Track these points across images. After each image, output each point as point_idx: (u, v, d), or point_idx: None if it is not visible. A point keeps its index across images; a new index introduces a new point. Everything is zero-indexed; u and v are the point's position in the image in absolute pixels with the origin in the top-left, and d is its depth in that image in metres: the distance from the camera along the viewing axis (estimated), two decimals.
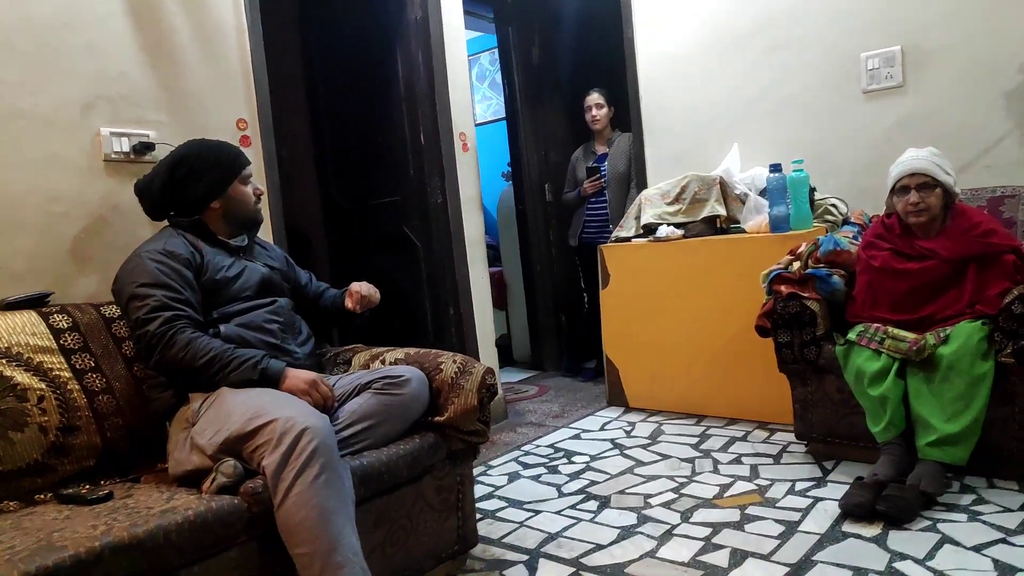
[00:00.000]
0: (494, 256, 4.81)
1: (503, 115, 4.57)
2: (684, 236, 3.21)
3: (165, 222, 2.02)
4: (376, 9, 3.36)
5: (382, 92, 3.40)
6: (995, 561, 1.72)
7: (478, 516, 2.17)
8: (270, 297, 1.99)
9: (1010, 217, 2.62)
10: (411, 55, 3.28)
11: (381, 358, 2.13)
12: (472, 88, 5.99)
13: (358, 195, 3.58)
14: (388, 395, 1.87)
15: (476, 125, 5.92)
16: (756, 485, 2.34)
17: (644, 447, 2.83)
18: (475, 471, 2.65)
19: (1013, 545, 1.79)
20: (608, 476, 2.56)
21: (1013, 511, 1.97)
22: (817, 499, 2.19)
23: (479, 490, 2.51)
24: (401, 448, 1.86)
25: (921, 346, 2.18)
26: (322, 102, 3.72)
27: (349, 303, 2.11)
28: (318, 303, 2.21)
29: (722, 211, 3.19)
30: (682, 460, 2.64)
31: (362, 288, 2.13)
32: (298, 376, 1.80)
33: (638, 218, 3.44)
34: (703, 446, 2.77)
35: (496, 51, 4.57)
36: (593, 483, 2.51)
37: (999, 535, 1.85)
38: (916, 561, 1.76)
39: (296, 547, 1.47)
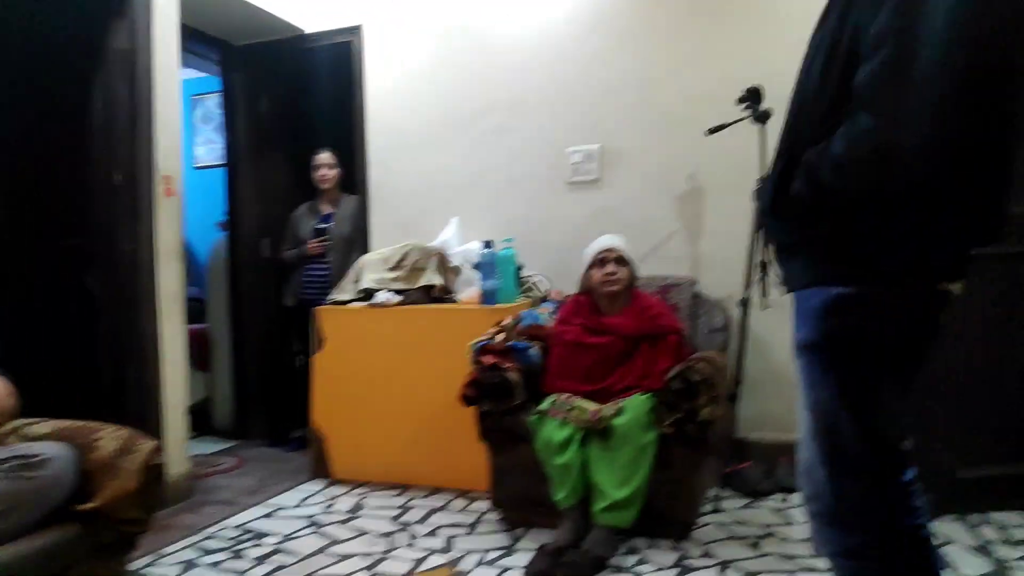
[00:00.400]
0: (200, 311, 4.42)
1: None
2: (401, 303, 3.22)
3: None
4: (71, 32, 2.98)
5: (75, 122, 2.99)
6: None
7: None
8: None
9: (675, 303, 3.02)
10: (112, 87, 2.95)
11: (22, 432, 1.79)
12: (193, 129, 5.61)
13: (29, 234, 3.07)
14: (19, 479, 1.57)
15: (197, 168, 5.54)
16: (449, 558, 2.34)
17: (342, 523, 2.71)
18: (141, 562, 2.32)
19: None
20: (298, 558, 2.38)
21: (667, 568, 2.19)
22: (505, 569, 2.24)
23: None
24: (32, 543, 1.57)
25: (600, 417, 2.38)
26: None
27: None
28: None
29: (439, 281, 3.27)
30: (379, 536, 2.56)
31: None
32: None
33: (357, 282, 3.39)
34: (403, 518, 2.73)
35: None
36: (281, 567, 2.31)
37: None
38: None
39: None
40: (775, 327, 3.10)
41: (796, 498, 2.72)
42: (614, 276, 2.62)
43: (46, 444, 1.69)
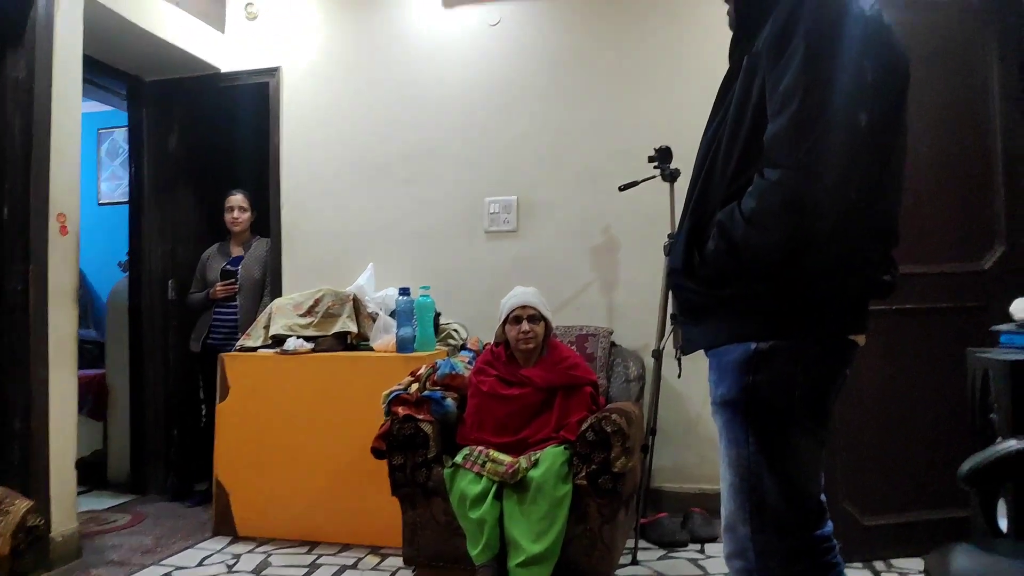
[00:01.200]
0: (97, 355, 4.15)
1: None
2: (313, 350, 3.12)
3: None
4: None
5: None
6: None
7: None
8: None
9: (592, 353, 3.05)
10: (6, 118, 2.78)
11: None
12: (98, 164, 5.37)
13: None
14: None
15: (100, 205, 5.28)
16: None
17: None
18: None
19: None
20: None
21: None
22: None
23: None
24: None
25: (515, 469, 2.35)
26: None
27: None
28: None
29: (353, 328, 3.19)
30: None
31: None
32: None
33: (267, 327, 3.27)
34: None
35: None
36: None
37: None
38: None
39: None
40: (688, 378, 3.18)
41: (712, 549, 2.75)
42: (528, 335, 2.62)
43: None
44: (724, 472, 1.28)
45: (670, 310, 2.86)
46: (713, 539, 2.83)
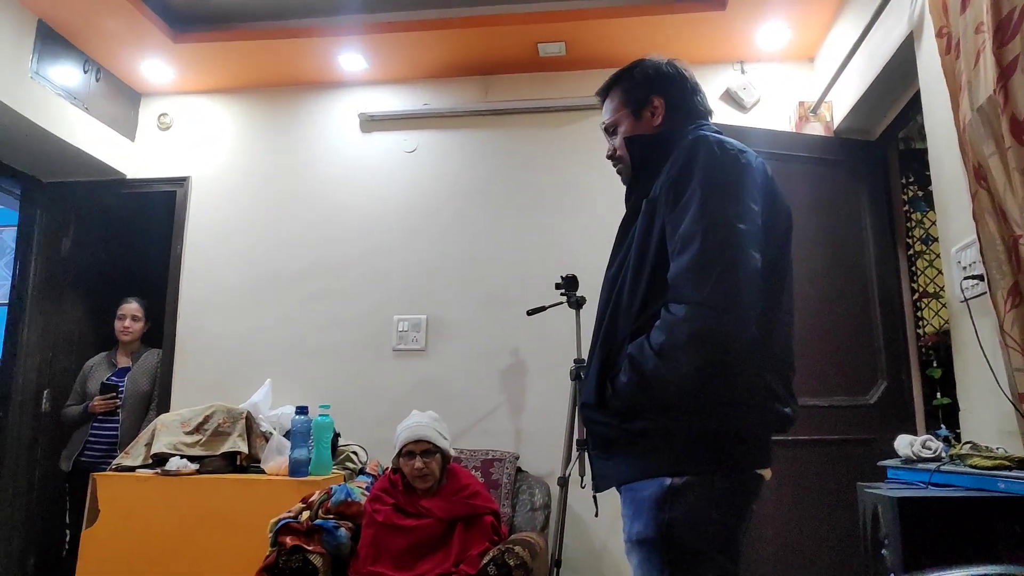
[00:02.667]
0: None
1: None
2: (199, 471, 2.90)
3: None
4: None
5: None
6: None
7: None
8: None
9: (497, 479, 2.97)
10: None
11: None
12: None
13: None
14: None
15: None
16: None
17: None
18: None
19: None
20: None
21: None
22: None
23: None
24: None
25: None
26: None
27: None
28: None
29: (244, 448, 3.00)
30: None
31: None
32: None
33: (149, 445, 3.03)
34: None
35: None
36: None
37: None
38: None
39: None
40: (593, 507, 3.12)
41: None
42: (423, 471, 2.52)
43: None
44: None
45: (576, 436, 2.85)
46: None
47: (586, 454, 2.83)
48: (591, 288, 2.98)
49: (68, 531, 3.44)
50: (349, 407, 3.31)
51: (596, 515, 2.48)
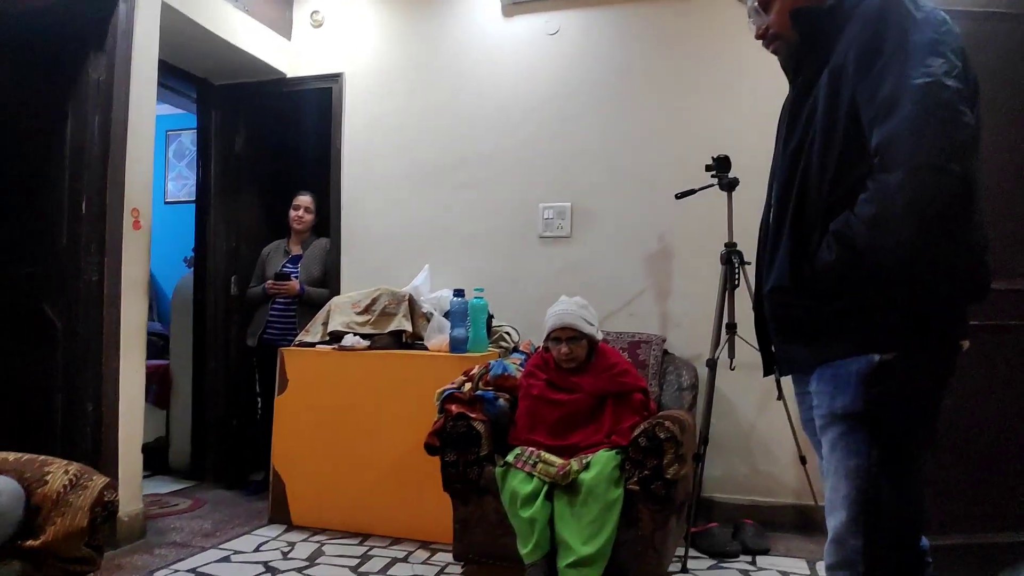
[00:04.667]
0: (162, 347, 4.31)
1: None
2: (370, 347, 3.19)
3: None
4: (50, 60, 2.97)
5: (44, 149, 2.95)
6: None
7: None
8: None
9: (644, 360, 3.05)
10: (85, 117, 2.92)
11: None
12: (165, 164, 5.58)
13: None
14: None
15: (167, 203, 5.49)
16: None
17: (299, 571, 2.61)
18: None
19: None
20: None
21: None
22: None
23: None
24: None
25: (567, 471, 2.36)
26: None
27: None
28: None
29: (408, 327, 3.25)
30: None
31: None
32: None
33: (325, 324, 3.36)
34: (363, 568, 2.65)
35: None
36: None
37: None
38: None
39: None
40: (742, 389, 3.16)
41: (764, 561, 2.71)
42: (569, 356, 2.61)
43: None
44: (837, 483, 1.27)
45: (726, 320, 2.85)
46: (765, 551, 2.79)
47: (735, 337, 2.84)
48: (743, 170, 2.90)
49: (259, 399, 3.93)
50: (501, 291, 3.46)
51: (779, 397, 2.50)
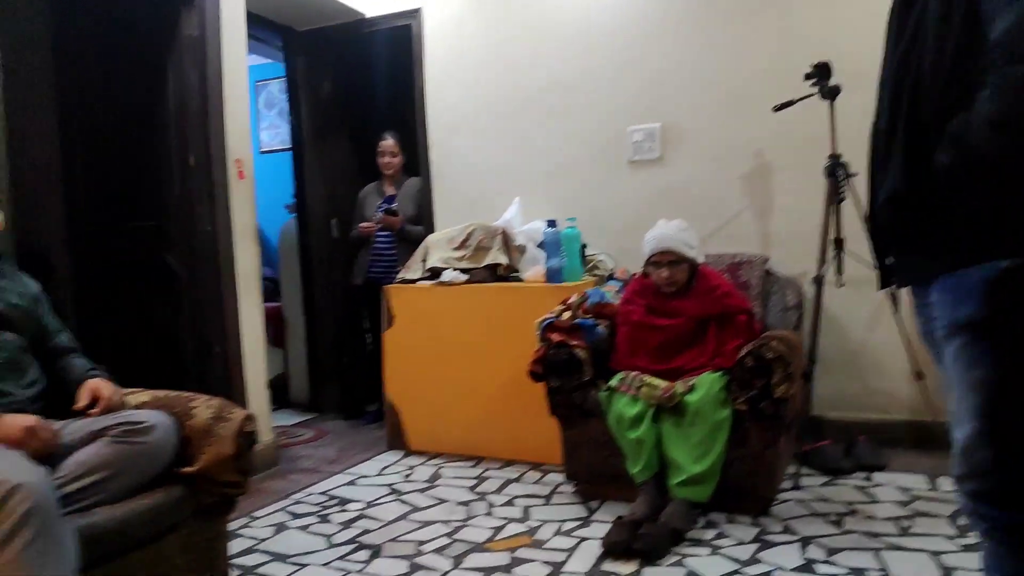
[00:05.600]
0: (273, 290, 4.55)
1: (290, 145, 4.39)
2: (468, 281, 3.26)
3: None
4: (145, 21, 3.08)
5: (149, 107, 3.10)
6: None
7: (235, 573, 1.98)
8: None
9: (746, 280, 2.99)
10: (184, 73, 3.04)
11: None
12: (257, 115, 5.74)
13: (112, 217, 3.20)
14: (127, 444, 1.67)
15: (262, 153, 5.67)
16: (527, 527, 2.39)
17: (421, 491, 2.79)
18: (235, 524, 2.43)
19: (745, 575, 1.98)
20: (382, 523, 2.47)
21: (747, 543, 2.19)
22: (582, 539, 2.28)
23: (240, 544, 2.31)
24: (141, 503, 1.66)
25: (672, 394, 2.38)
26: (75, 113, 3.30)
27: (83, 403, 1.77)
28: (55, 363, 1.89)
29: (504, 260, 3.30)
30: (458, 504, 2.64)
31: (103, 390, 1.80)
32: (11, 423, 1.54)
33: (424, 261, 3.45)
34: (479, 488, 2.79)
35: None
36: (366, 531, 2.41)
37: (735, 566, 2.05)
38: None
39: None
40: (850, 306, 3.06)
41: (881, 477, 2.68)
42: (670, 280, 2.58)
43: (149, 412, 1.79)
44: (962, 395, 1.23)
45: (832, 235, 2.75)
46: (881, 467, 2.75)
47: (842, 252, 2.74)
48: (845, 75, 2.73)
49: (368, 334, 4.11)
50: (592, 219, 3.44)
51: (896, 311, 2.42)
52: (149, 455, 1.70)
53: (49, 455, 1.59)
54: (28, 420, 1.58)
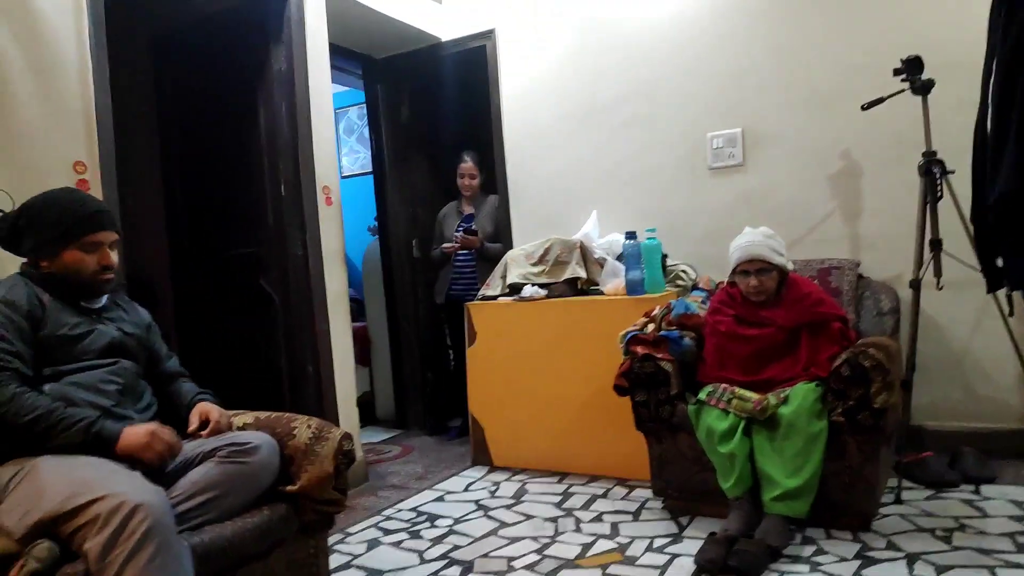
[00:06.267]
0: (358, 311, 4.69)
1: (370, 169, 4.53)
2: (547, 296, 3.28)
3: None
4: (237, 58, 3.25)
5: (242, 141, 3.27)
6: None
7: None
8: (113, 359, 1.82)
9: (837, 286, 2.89)
10: (274, 106, 3.19)
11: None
12: (339, 141, 5.95)
13: (211, 246, 3.39)
14: (234, 464, 1.75)
15: (342, 178, 5.84)
16: (617, 543, 2.37)
17: (508, 507, 2.80)
18: (331, 540, 2.51)
19: None
20: (471, 539, 2.50)
21: (848, 560, 2.11)
22: (674, 555, 2.24)
23: (336, 560, 2.38)
24: (248, 521, 1.73)
25: (764, 406, 2.32)
26: (175, 149, 3.52)
27: (194, 425, 1.88)
28: (166, 388, 2.01)
29: (583, 273, 3.30)
30: (545, 520, 2.64)
31: (212, 413, 1.90)
32: (133, 432, 1.66)
33: (504, 277, 3.49)
34: (565, 504, 2.79)
35: (364, 106, 4.55)
36: (456, 547, 2.44)
37: None
38: None
39: None
40: (951, 309, 2.92)
41: (990, 490, 2.53)
42: (759, 289, 2.52)
43: (252, 433, 1.87)
44: None
45: (928, 236, 2.63)
46: (990, 479, 2.59)
47: (940, 254, 2.61)
48: (937, 69, 2.61)
49: (451, 351, 4.18)
50: (673, 228, 3.40)
51: (1011, 314, 2.30)
52: (255, 475, 1.78)
53: (170, 463, 1.71)
54: (150, 426, 1.69)
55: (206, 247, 3.41)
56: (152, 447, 1.65)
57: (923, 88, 2.63)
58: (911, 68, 2.65)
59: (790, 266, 2.59)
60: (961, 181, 2.50)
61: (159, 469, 1.69)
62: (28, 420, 1.57)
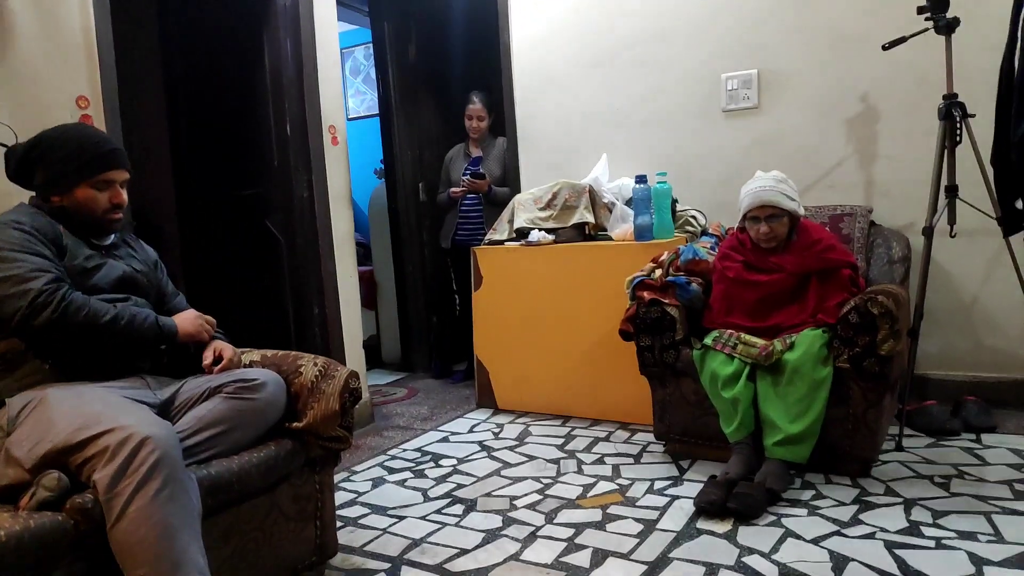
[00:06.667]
0: (364, 255, 4.69)
1: (376, 111, 4.46)
2: (555, 241, 3.26)
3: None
4: None
5: (247, 79, 3.21)
6: (830, 552, 1.86)
7: (339, 524, 2.09)
8: (124, 294, 1.83)
9: (848, 233, 2.85)
10: (279, 43, 3.12)
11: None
12: (345, 82, 5.84)
13: (216, 186, 3.37)
14: (241, 399, 1.76)
15: (348, 120, 5.78)
16: (617, 485, 2.40)
17: (511, 449, 2.84)
18: (337, 477, 2.56)
19: (846, 537, 1.94)
20: (475, 479, 2.54)
21: (846, 504, 2.13)
22: (674, 497, 2.27)
23: (341, 497, 2.42)
24: (254, 456, 1.75)
25: (769, 352, 2.32)
26: (180, 86, 3.46)
27: (208, 360, 1.89)
28: None
29: (591, 218, 3.26)
30: (548, 461, 2.67)
31: (225, 351, 1.91)
32: (185, 319, 1.88)
33: (511, 221, 3.46)
34: (568, 447, 2.82)
35: (371, 46, 4.45)
36: (460, 487, 2.48)
37: (834, 528, 1.99)
38: (762, 555, 1.87)
39: (134, 568, 1.35)
40: (963, 258, 2.88)
41: (990, 439, 2.54)
42: (769, 235, 2.48)
43: (259, 370, 1.88)
44: None
45: (945, 182, 2.58)
46: (991, 429, 2.60)
47: (956, 200, 2.57)
48: (962, 7, 2.52)
49: (456, 295, 4.18)
50: (684, 173, 3.35)
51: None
52: (261, 411, 1.79)
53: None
54: (191, 313, 1.91)
55: (211, 187, 3.39)
56: (206, 328, 1.90)
57: (947, 27, 2.54)
58: (936, 5, 2.56)
59: (802, 211, 2.55)
60: (982, 126, 2.45)
61: (166, 402, 1.72)
62: (109, 319, 1.67)
